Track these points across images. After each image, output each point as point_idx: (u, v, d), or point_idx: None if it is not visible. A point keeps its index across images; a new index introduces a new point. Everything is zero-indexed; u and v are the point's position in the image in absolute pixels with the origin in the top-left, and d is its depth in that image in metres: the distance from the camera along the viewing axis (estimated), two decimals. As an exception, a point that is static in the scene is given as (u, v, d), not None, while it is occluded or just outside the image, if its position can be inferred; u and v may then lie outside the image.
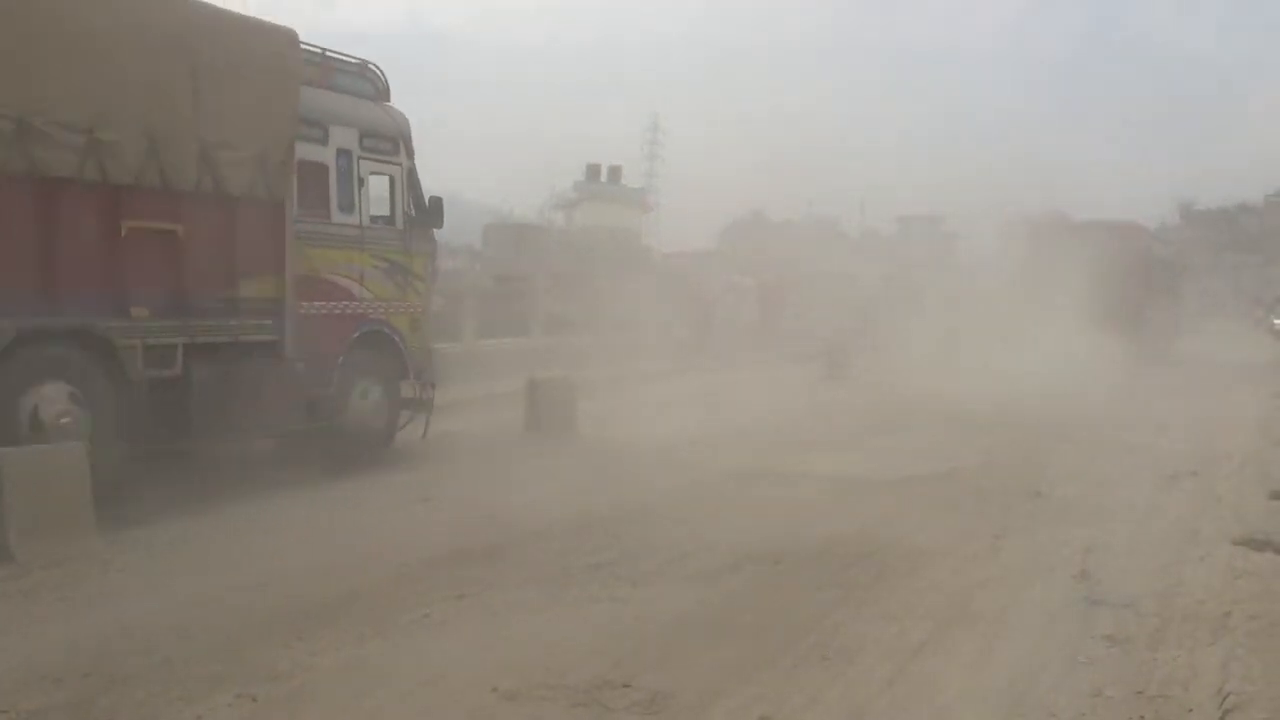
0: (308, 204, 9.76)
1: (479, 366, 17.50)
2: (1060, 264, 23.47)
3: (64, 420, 7.71)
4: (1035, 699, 4.70)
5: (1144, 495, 9.22)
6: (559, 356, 18.90)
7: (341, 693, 4.77)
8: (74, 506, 7.07)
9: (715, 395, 17.49)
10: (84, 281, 7.89)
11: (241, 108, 8.80)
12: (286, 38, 9.33)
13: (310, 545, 7.44)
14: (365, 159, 10.44)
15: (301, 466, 9.91)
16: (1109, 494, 9.23)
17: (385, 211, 10.84)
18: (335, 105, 10.18)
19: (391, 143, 10.79)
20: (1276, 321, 32.23)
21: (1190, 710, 4.58)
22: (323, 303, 9.97)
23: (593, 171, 58.59)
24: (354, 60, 10.62)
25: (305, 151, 9.66)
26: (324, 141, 10.02)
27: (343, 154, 10.23)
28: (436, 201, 11.28)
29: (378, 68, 10.82)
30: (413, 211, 11.06)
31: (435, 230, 11.56)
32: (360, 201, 10.40)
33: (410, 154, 11.01)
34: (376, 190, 10.63)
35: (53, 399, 7.69)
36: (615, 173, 59.33)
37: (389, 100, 10.95)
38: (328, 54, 10.24)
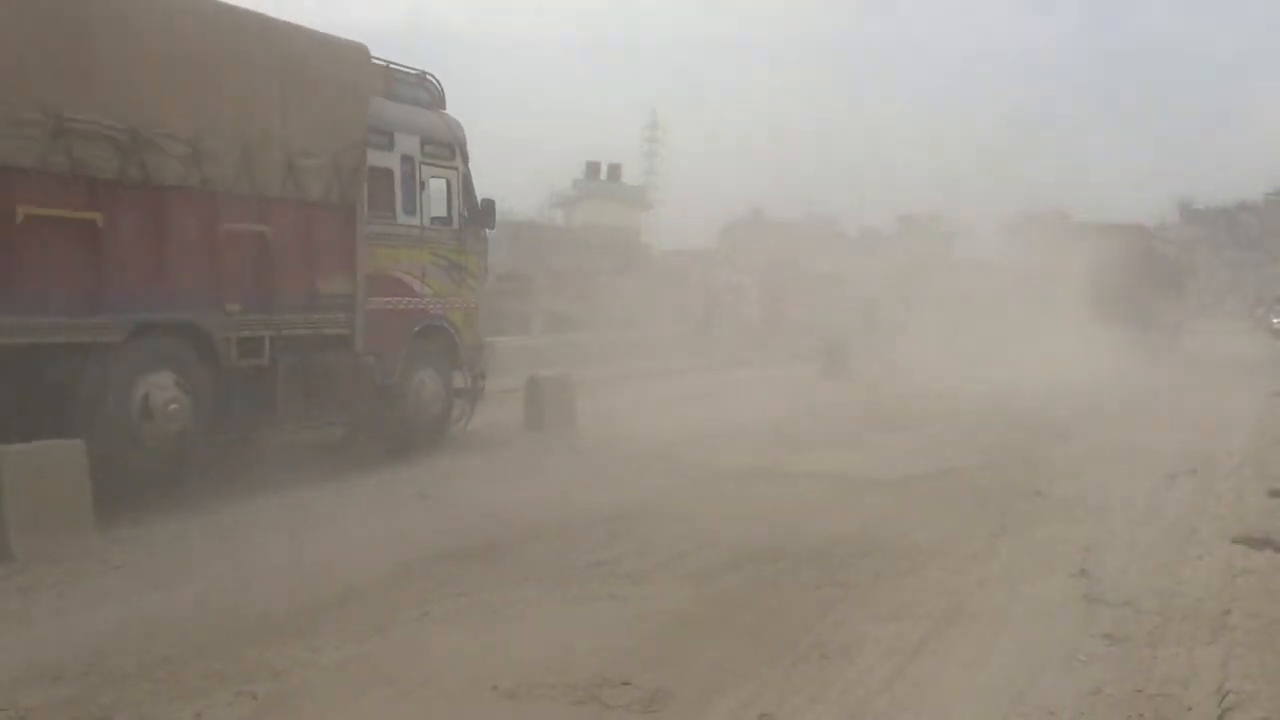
0: (375, 206, 10.45)
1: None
2: (1065, 263, 23.62)
3: (171, 407, 8.36)
4: (1034, 697, 4.70)
5: (1143, 494, 9.22)
6: (559, 354, 18.92)
7: (341, 691, 4.77)
8: (73, 504, 7.07)
9: (715, 394, 17.50)
10: (187, 280, 8.56)
11: (319, 118, 9.50)
12: (358, 53, 10.11)
13: (310, 543, 7.43)
14: (426, 164, 11.15)
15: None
16: (1108, 492, 9.22)
17: (443, 213, 11.55)
18: (399, 114, 10.88)
19: (449, 148, 11.49)
20: (1275, 320, 32.27)
21: (1189, 709, 4.58)
22: (389, 299, 10.64)
23: (592, 169, 58.62)
24: (413, 71, 11.30)
25: (373, 158, 10.32)
26: (390, 148, 10.71)
27: (406, 160, 10.92)
28: (488, 204, 12.08)
29: (435, 77, 11.54)
30: (467, 213, 11.77)
31: (486, 230, 12.27)
32: (421, 204, 11.13)
33: (465, 159, 11.71)
34: (435, 193, 11.36)
35: (161, 387, 8.33)
36: (615, 171, 59.37)
37: (444, 108, 11.61)
38: (390, 65, 10.92)
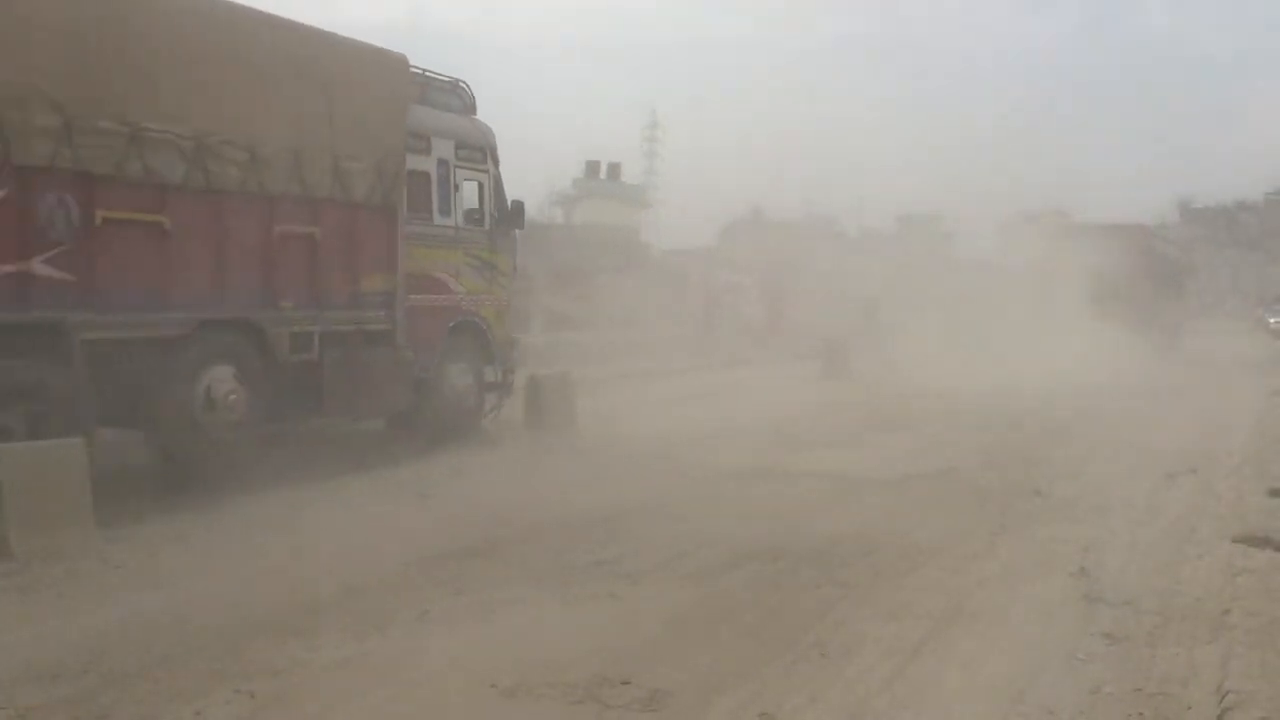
0: (414, 208, 10.93)
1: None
2: (1068, 263, 23.76)
3: (231, 398, 8.90)
4: (1034, 696, 4.70)
5: (1143, 493, 9.22)
6: (559, 353, 18.90)
7: (340, 689, 4.76)
8: (74, 503, 7.07)
9: (715, 393, 17.50)
10: (244, 278, 9.06)
11: (362, 124, 10.01)
12: (399, 62, 10.63)
13: (309, 542, 7.43)
14: (460, 167, 11.67)
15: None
16: (1108, 492, 9.22)
17: (475, 214, 12.02)
18: (435, 120, 11.37)
19: (480, 152, 12.00)
20: (1272, 320, 32.33)
21: (1189, 708, 4.58)
22: (426, 296, 11.15)
23: (592, 168, 58.56)
24: (446, 79, 11.81)
25: (412, 162, 10.84)
26: (427, 152, 11.21)
27: (442, 163, 11.43)
28: (518, 205, 12.65)
29: (466, 84, 12.05)
30: (497, 214, 12.27)
31: (515, 230, 12.79)
32: (455, 205, 11.65)
33: (496, 162, 12.20)
34: (468, 195, 11.88)
35: (222, 379, 8.88)
36: (615, 170, 59.31)
37: (475, 113, 12.13)
38: (426, 73, 11.40)
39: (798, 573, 6.65)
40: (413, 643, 5.36)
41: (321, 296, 9.74)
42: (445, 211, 11.46)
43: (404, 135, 10.58)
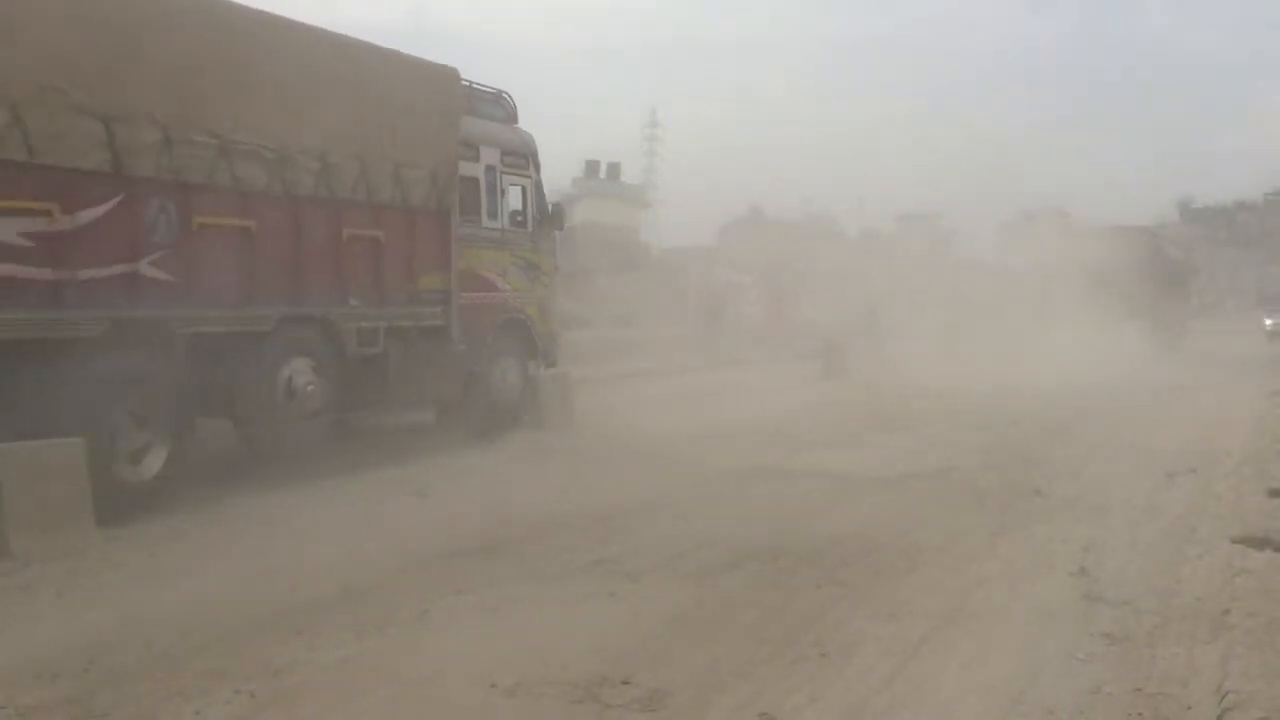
0: (465, 212, 11.65)
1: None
2: (1075, 264, 23.99)
3: (309, 388, 9.63)
4: (1034, 696, 4.70)
5: (1143, 493, 9.22)
6: (558, 352, 18.88)
7: (340, 689, 4.76)
8: (73, 502, 7.08)
9: (715, 393, 17.50)
10: (318, 277, 9.79)
11: (420, 134, 10.74)
12: (451, 76, 11.37)
13: (308, 541, 7.42)
14: (505, 173, 12.43)
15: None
16: (1108, 491, 9.22)
17: (519, 217, 12.78)
18: (482, 129, 12.10)
19: (523, 159, 12.77)
20: (1268, 321, 32.41)
21: (1189, 708, 4.58)
22: (477, 294, 11.89)
23: (591, 168, 58.48)
24: (490, 90, 12.56)
25: (463, 168, 11.56)
26: (475, 159, 11.96)
27: (489, 170, 12.20)
28: (558, 208, 13.57)
29: (509, 95, 12.79)
30: (539, 216, 13.03)
31: (556, 231, 13.59)
32: (502, 209, 12.41)
33: (537, 168, 12.98)
34: (513, 199, 12.66)
35: (301, 370, 9.62)
36: (614, 170, 59.26)
37: (517, 122, 12.87)
38: (472, 85, 12.04)
39: (798, 572, 6.65)
40: (413, 642, 5.36)
41: (385, 294, 10.49)
42: (493, 214, 12.22)
43: (457, 144, 11.31)
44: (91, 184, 7.82)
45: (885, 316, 25.52)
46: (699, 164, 74.36)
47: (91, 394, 7.79)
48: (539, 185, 13.02)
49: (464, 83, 11.68)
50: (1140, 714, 4.52)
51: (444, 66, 11.32)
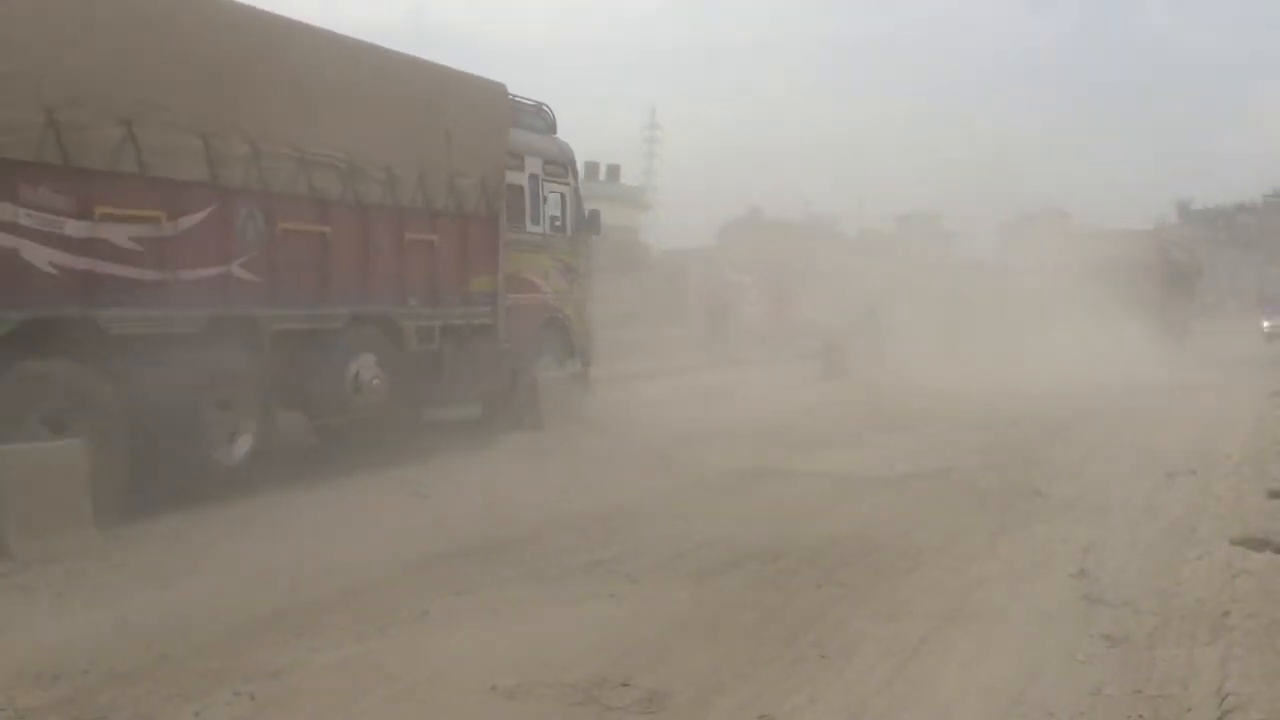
0: (510, 218, 12.36)
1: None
2: (1079, 265, 24.22)
3: (375, 382, 10.34)
4: (1033, 697, 4.69)
5: (1143, 494, 9.22)
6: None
7: (340, 690, 4.76)
8: (73, 503, 7.07)
9: (715, 393, 17.50)
10: (382, 279, 10.48)
11: (472, 145, 11.44)
12: (500, 90, 12.20)
13: (307, 542, 7.42)
14: (546, 181, 13.22)
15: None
16: (1108, 492, 9.22)
17: (559, 222, 13.50)
18: (525, 139, 12.81)
19: (563, 167, 13.59)
20: (1266, 324, 32.50)
21: (1189, 709, 4.57)
22: (521, 295, 12.61)
23: (591, 169, 58.30)
24: (531, 102, 13.26)
25: (509, 177, 12.27)
26: (520, 168, 12.68)
27: (532, 178, 12.96)
28: (594, 214, 14.29)
29: (548, 107, 13.56)
30: (576, 222, 13.76)
31: (592, 236, 14.34)
32: (543, 214, 13.17)
33: (575, 176, 13.89)
34: (552, 205, 13.39)
35: (367, 365, 10.31)
36: (614, 171, 59.20)
37: (556, 133, 13.66)
38: (515, 98, 12.67)
39: (798, 573, 6.65)
40: (413, 643, 5.36)
41: (440, 295, 11.19)
42: (535, 220, 12.98)
43: (505, 154, 12.05)
44: (191, 193, 8.54)
45: (885, 317, 25.53)
46: (699, 165, 74.43)
47: (192, 384, 8.53)
48: (577, 192, 13.80)
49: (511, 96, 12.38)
50: (1140, 716, 4.52)
51: (493, 82, 12.09)
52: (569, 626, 5.62)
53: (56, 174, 7.58)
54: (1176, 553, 7.17)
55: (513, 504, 8.67)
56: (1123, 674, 4.97)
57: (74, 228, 7.68)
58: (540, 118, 13.39)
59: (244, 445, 9.06)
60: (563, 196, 13.55)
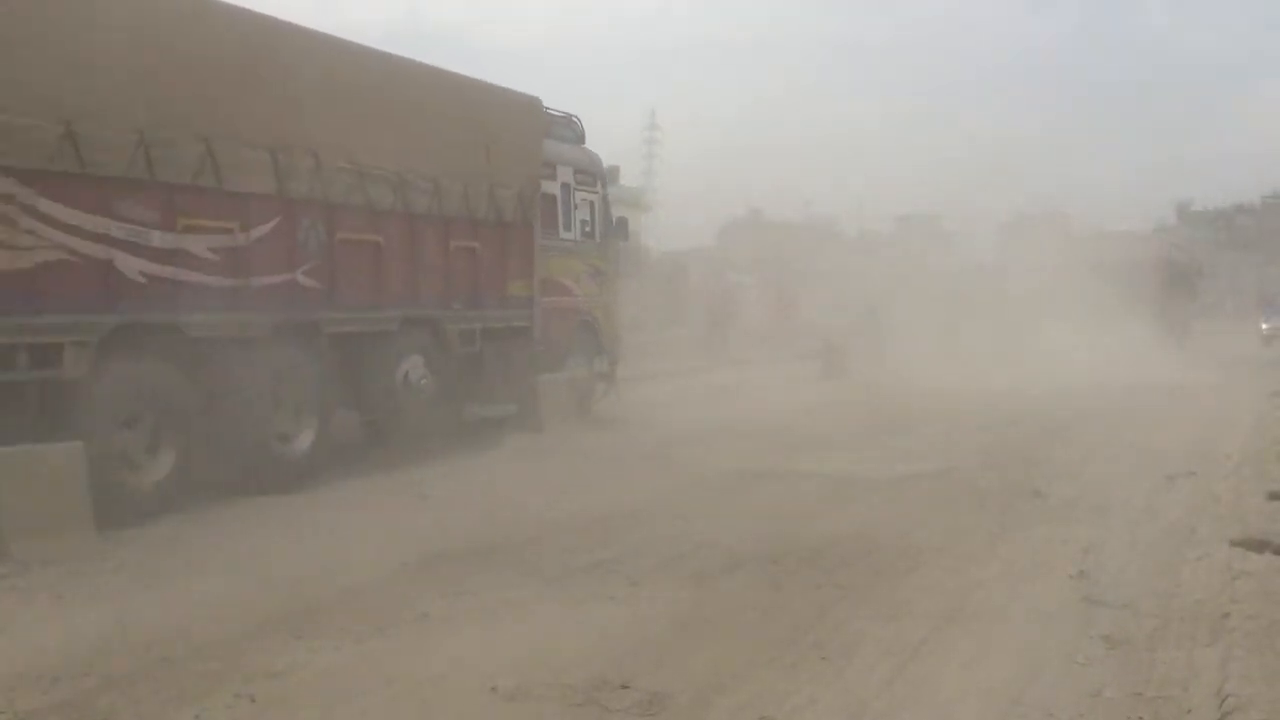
0: (545, 225, 12.95)
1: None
2: (1083, 266, 24.33)
3: (424, 382, 10.94)
4: (1033, 699, 4.69)
5: (1143, 495, 9.21)
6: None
7: (340, 692, 4.75)
8: (72, 504, 7.07)
9: (715, 393, 17.52)
10: (429, 284, 11.05)
11: (510, 156, 12.00)
12: (535, 104, 12.77)
13: (307, 543, 7.43)
14: (577, 189, 13.87)
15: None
16: (1108, 493, 9.21)
17: (589, 229, 14.16)
18: (558, 150, 13.41)
19: (592, 176, 14.25)
20: (1264, 325, 32.54)
21: (1189, 711, 4.57)
22: (555, 299, 13.25)
23: (591, 170, 58.34)
24: (562, 114, 13.77)
25: (543, 186, 12.86)
26: (553, 178, 13.30)
27: (564, 187, 13.60)
28: (623, 220, 14.99)
29: (577, 118, 14.13)
30: (604, 228, 14.42)
31: (620, 242, 15.02)
32: (575, 221, 13.80)
33: (605, 184, 14.52)
34: (583, 212, 14.02)
35: (416, 366, 10.89)
36: (614, 173, 59.17)
37: (584, 143, 14.28)
38: (548, 110, 13.15)
39: (797, 574, 6.64)
40: (413, 644, 5.36)
41: (481, 299, 11.77)
42: (568, 227, 13.61)
43: (540, 164, 12.60)
44: (261, 205, 9.08)
45: (885, 317, 25.55)
46: (699, 165, 74.31)
47: (261, 384, 9.06)
48: (605, 200, 14.45)
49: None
50: (1140, 717, 4.51)
51: (528, 95, 12.63)
52: (569, 627, 5.62)
53: (144, 189, 8.10)
54: (1176, 554, 7.17)
55: (513, 505, 8.67)
56: (1122, 675, 4.96)
57: (160, 239, 8.22)
58: (570, 129, 13.96)
59: (306, 440, 9.57)
60: (592, 204, 14.15)
